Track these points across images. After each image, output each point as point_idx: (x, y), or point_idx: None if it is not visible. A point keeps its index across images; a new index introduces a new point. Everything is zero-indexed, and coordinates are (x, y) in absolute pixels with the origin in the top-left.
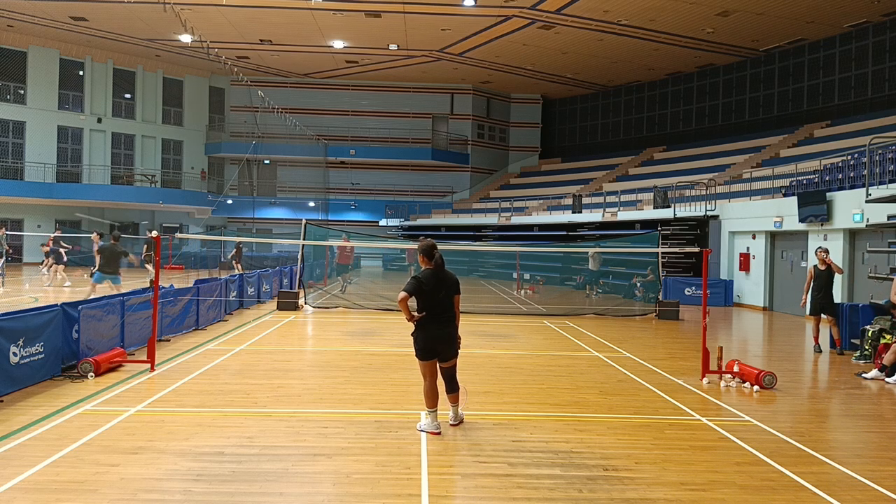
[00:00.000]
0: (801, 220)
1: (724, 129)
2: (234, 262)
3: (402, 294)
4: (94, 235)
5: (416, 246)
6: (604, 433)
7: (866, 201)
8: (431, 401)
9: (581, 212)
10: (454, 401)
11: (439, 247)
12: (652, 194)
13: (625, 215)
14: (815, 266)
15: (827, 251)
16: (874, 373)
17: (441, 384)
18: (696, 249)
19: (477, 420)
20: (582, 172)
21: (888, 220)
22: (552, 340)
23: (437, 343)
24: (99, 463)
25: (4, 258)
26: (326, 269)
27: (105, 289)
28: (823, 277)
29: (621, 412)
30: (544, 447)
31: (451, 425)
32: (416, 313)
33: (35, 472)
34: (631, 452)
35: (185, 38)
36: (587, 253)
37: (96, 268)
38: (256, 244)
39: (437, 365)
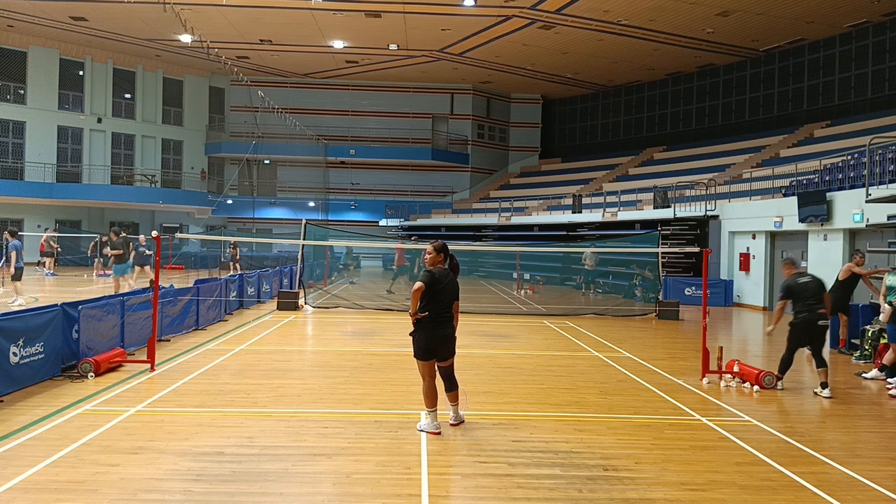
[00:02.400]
0: (801, 220)
1: (724, 129)
2: (230, 263)
3: (419, 284)
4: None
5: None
6: (604, 433)
7: (866, 201)
8: (431, 401)
9: (581, 212)
10: (453, 400)
11: None
12: (652, 194)
13: (625, 215)
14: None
15: (864, 256)
16: (874, 373)
17: (440, 384)
18: (696, 249)
19: (477, 420)
20: (582, 172)
21: (888, 220)
22: (552, 340)
23: (436, 343)
24: (99, 463)
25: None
26: (326, 269)
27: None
28: (853, 280)
29: (621, 412)
30: (544, 447)
31: (451, 425)
32: (420, 312)
33: (35, 472)
34: (631, 452)
35: (185, 38)
36: (582, 256)
37: (112, 264)
38: (256, 244)
39: (436, 365)
